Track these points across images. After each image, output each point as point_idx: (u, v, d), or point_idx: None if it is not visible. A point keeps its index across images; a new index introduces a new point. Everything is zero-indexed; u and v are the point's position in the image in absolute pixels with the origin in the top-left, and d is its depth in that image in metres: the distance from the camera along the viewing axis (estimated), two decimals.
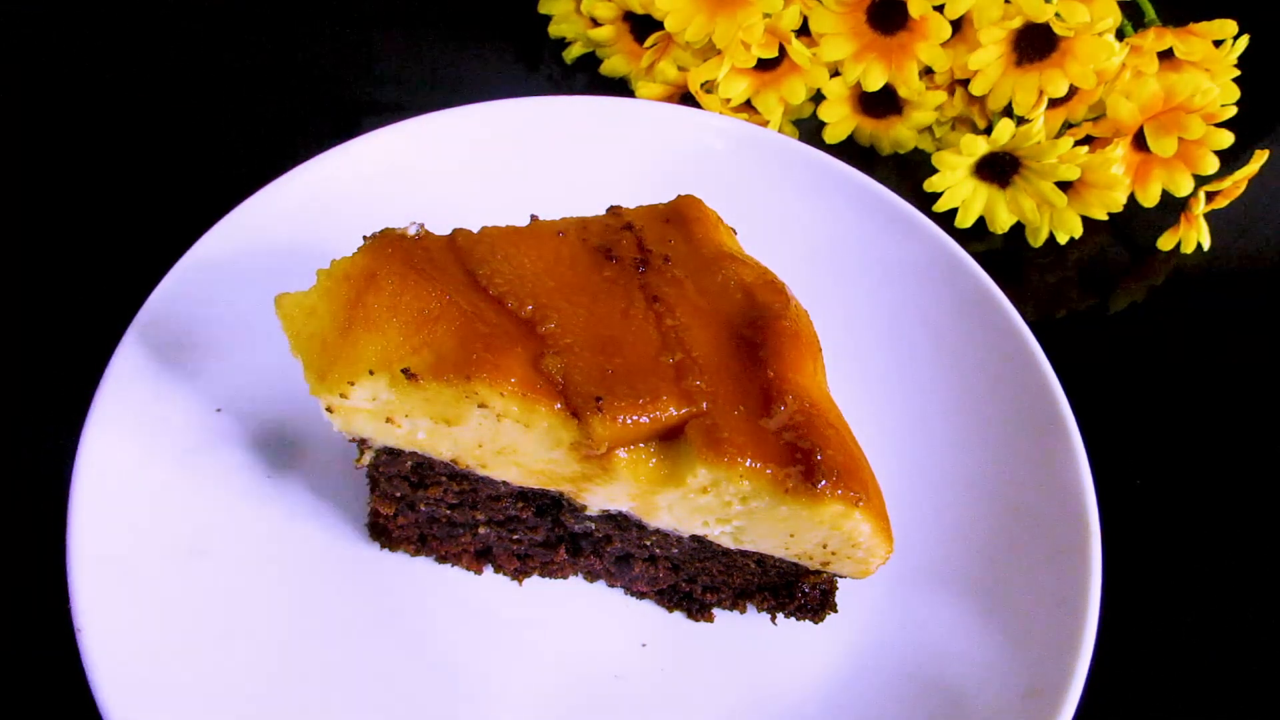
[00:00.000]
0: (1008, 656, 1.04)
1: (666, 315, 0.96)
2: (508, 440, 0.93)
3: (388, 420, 0.94)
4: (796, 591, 1.08)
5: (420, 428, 0.94)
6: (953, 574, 1.12)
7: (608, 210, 1.06)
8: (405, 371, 0.88)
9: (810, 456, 0.90)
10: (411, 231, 0.98)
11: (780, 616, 1.12)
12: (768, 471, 0.90)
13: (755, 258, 1.06)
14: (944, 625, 1.09)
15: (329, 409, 0.95)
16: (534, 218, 1.03)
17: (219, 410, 1.13)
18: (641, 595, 1.13)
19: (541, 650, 1.08)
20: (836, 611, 1.10)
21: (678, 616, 1.12)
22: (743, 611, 1.13)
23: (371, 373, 0.90)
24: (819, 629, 1.11)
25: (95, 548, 1.00)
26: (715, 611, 1.12)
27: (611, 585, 1.13)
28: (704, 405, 0.91)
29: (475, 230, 1.00)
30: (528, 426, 0.91)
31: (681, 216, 1.05)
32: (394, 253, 0.95)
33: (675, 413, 0.90)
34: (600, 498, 0.98)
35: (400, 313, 0.91)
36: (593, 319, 0.94)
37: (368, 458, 1.01)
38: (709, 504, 0.95)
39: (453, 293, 0.93)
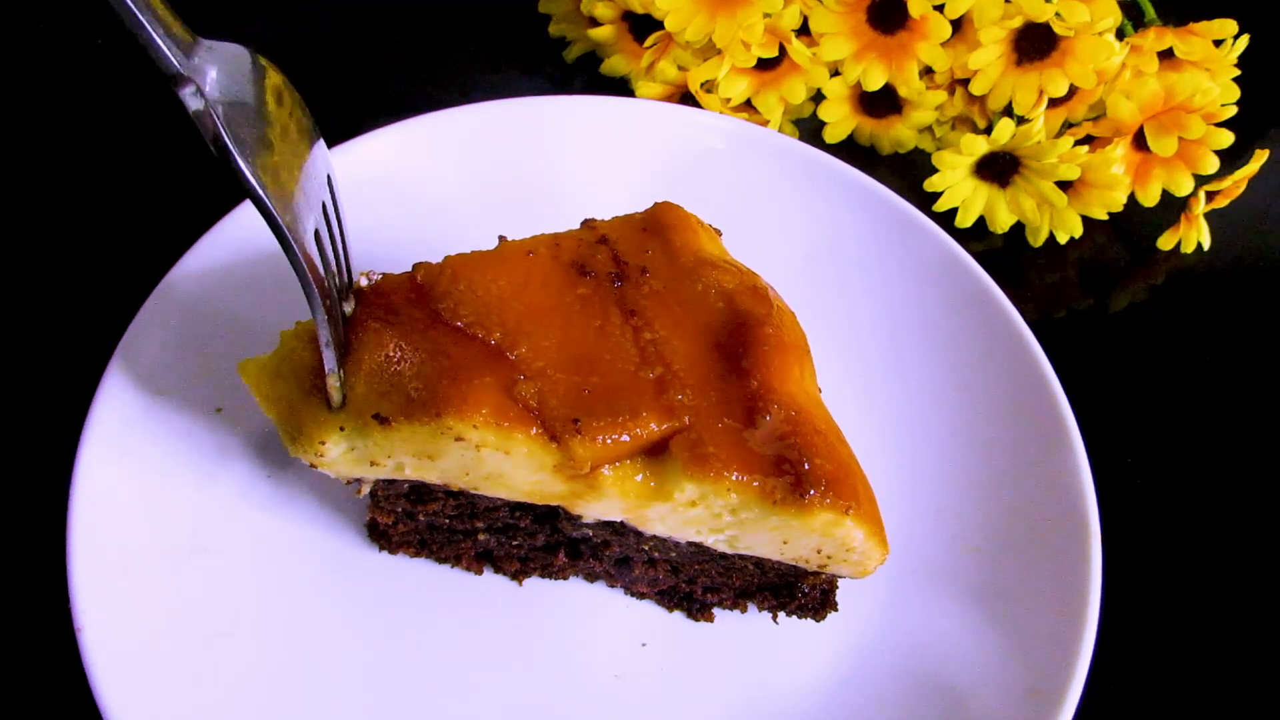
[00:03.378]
0: (1008, 656, 1.04)
1: (645, 329, 0.95)
2: (492, 467, 0.93)
3: (372, 464, 0.94)
4: (797, 591, 1.08)
5: (405, 464, 0.94)
6: (953, 574, 1.12)
7: (582, 223, 1.04)
8: (376, 417, 0.88)
9: (798, 466, 0.89)
10: (364, 283, 0.97)
11: (781, 615, 1.12)
12: (755, 484, 0.89)
13: (740, 260, 1.05)
14: (944, 625, 1.09)
15: (312, 464, 0.95)
16: (502, 239, 1.01)
17: (219, 410, 1.13)
18: (641, 595, 1.13)
19: (541, 650, 1.08)
20: (837, 610, 1.10)
21: (678, 616, 1.12)
22: (743, 611, 1.13)
23: (342, 429, 0.90)
24: (820, 628, 1.11)
25: (95, 548, 1.00)
26: (715, 611, 1.12)
27: (611, 586, 1.13)
28: (687, 419, 0.90)
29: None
30: (507, 454, 0.90)
31: (659, 224, 1.03)
32: (350, 308, 0.94)
33: (657, 428, 0.90)
34: (593, 511, 0.98)
35: (363, 363, 0.91)
36: (567, 339, 0.93)
37: (366, 488, 1.01)
38: (699, 516, 0.95)
39: (411, 332, 0.92)
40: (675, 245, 1.02)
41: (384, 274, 0.98)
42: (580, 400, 0.89)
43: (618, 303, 0.96)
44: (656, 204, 1.06)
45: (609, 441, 0.88)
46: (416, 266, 0.97)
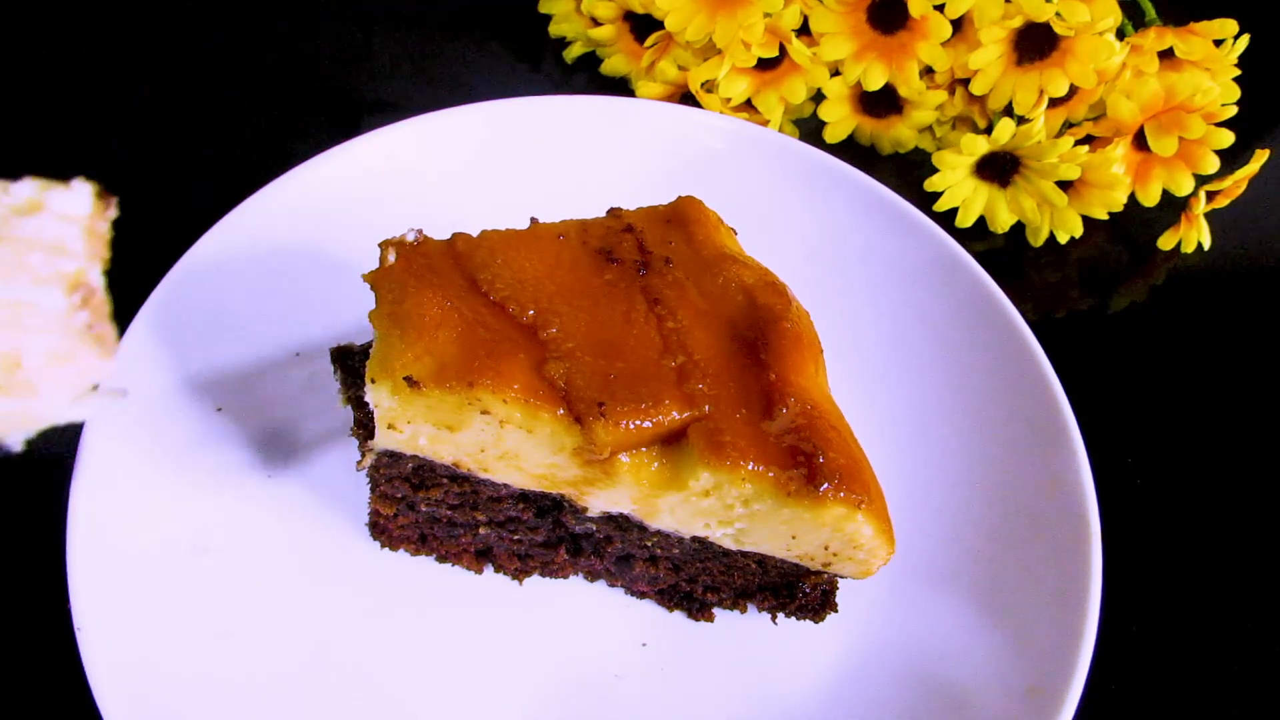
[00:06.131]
0: (1008, 656, 1.04)
1: (668, 318, 0.96)
2: (510, 445, 0.93)
3: (390, 426, 0.94)
4: (797, 591, 1.08)
5: (422, 433, 0.94)
6: (953, 573, 1.12)
7: (608, 212, 1.06)
8: (408, 379, 0.88)
9: (812, 459, 0.89)
10: (410, 238, 0.97)
11: (781, 616, 1.12)
12: (770, 475, 0.90)
13: (756, 258, 1.06)
14: (944, 625, 1.09)
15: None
16: (534, 220, 1.03)
17: (219, 410, 1.13)
18: (642, 595, 1.13)
19: (541, 649, 1.08)
20: (837, 611, 1.10)
21: (678, 616, 1.12)
22: (743, 611, 1.13)
23: (373, 381, 0.90)
24: (819, 629, 1.11)
25: (95, 548, 1.00)
26: (715, 611, 1.12)
27: (612, 585, 1.13)
28: (706, 408, 0.91)
29: (475, 234, 1.00)
30: (530, 432, 0.91)
31: (682, 218, 1.05)
32: (393, 260, 0.95)
33: (677, 416, 0.90)
34: (602, 500, 0.98)
35: (400, 320, 0.91)
36: (594, 323, 0.94)
37: (368, 460, 1.01)
38: (711, 507, 0.95)
39: (453, 299, 0.92)
40: (698, 239, 1.03)
41: (425, 236, 0.98)
42: (605, 384, 0.90)
43: (643, 291, 0.98)
44: (680, 198, 1.07)
45: (631, 427, 0.89)
46: (455, 236, 0.98)
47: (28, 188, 0.59)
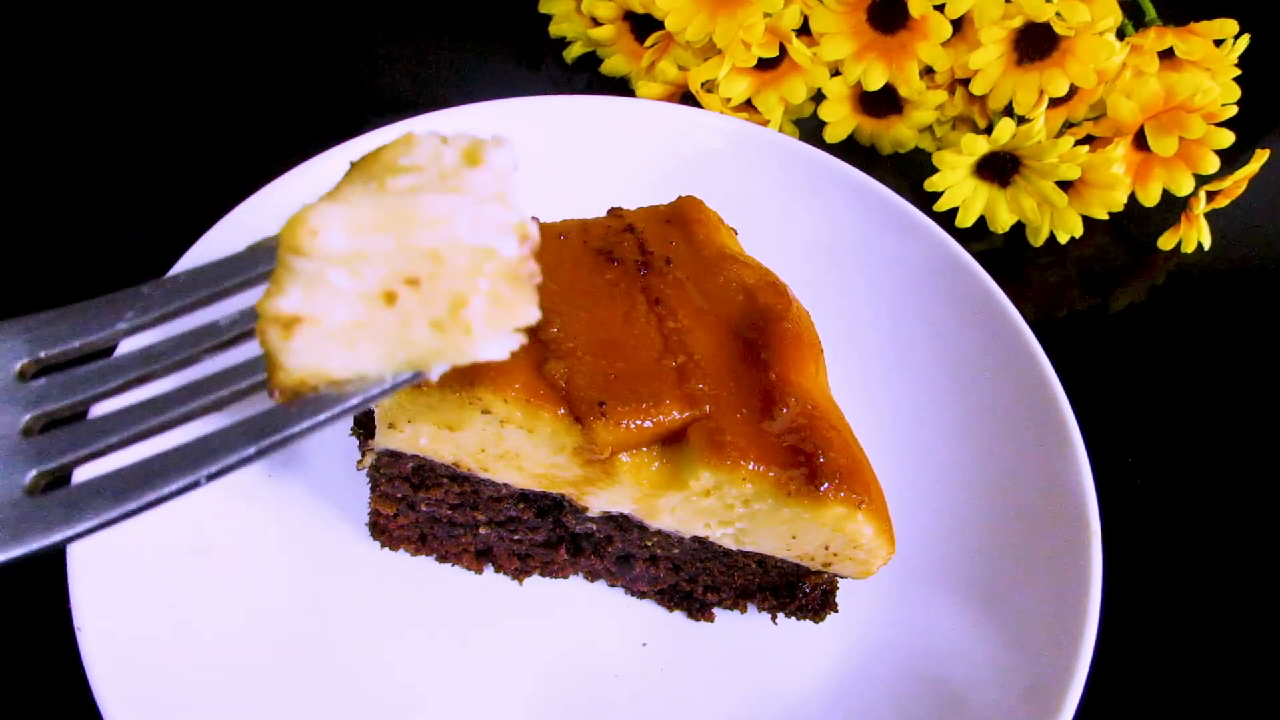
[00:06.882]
0: (1008, 656, 1.04)
1: (668, 318, 0.96)
2: (511, 445, 0.93)
3: (390, 426, 0.94)
4: (797, 591, 1.08)
5: (423, 433, 0.94)
6: (953, 574, 1.12)
7: (609, 212, 1.06)
8: None
9: (813, 459, 0.89)
10: None
11: (781, 616, 1.12)
12: (770, 474, 0.90)
13: (756, 258, 1.06)
14: (944, 625, 1.08)
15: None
16: (534, 220, 1.03)
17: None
18: (642, 595, 1.13)
19: (542, 649, 1.08)
20: (837, 611, 1.10)
21: (678, 616, 1.12)
22: (743, 611, 1.13)
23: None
24: (819, 629, 1.11)
25: (95, 547, 1.00)
26: (715, 611, 1.12)
27: (612, 585, 1.13)
28: (706, 408, 0.91)
29: None
30: (531, 432, 0.91)
31: (683, 218, 1.05)
32: None
33: (678, 416, 0.90)
34: (602, 500, 0.98)
35: None
36: (595, 322, 0.94)
37: (369, 460, 1.01)
38: (711, 506, 0.95)
39: None
40: (698, 238, 1.03)
41: None
42: (606, 384, 0.90)
43: (643, 290, 0.98)
44: (680, 198, 1.07)
45: (632, 426, 0.89)
46: None
47: (463, 139, 0.61)
